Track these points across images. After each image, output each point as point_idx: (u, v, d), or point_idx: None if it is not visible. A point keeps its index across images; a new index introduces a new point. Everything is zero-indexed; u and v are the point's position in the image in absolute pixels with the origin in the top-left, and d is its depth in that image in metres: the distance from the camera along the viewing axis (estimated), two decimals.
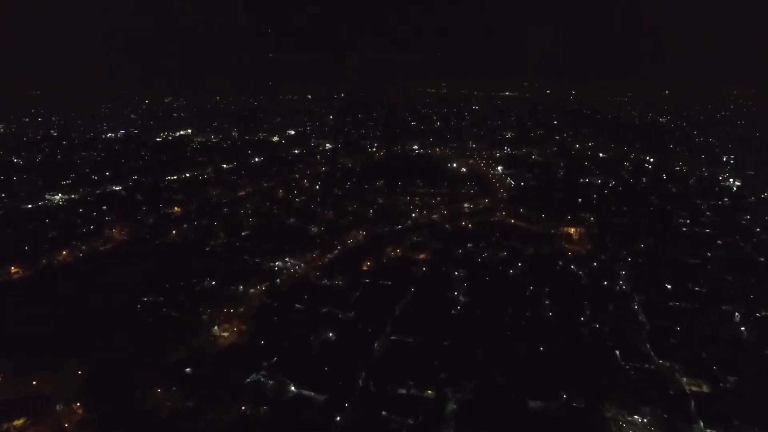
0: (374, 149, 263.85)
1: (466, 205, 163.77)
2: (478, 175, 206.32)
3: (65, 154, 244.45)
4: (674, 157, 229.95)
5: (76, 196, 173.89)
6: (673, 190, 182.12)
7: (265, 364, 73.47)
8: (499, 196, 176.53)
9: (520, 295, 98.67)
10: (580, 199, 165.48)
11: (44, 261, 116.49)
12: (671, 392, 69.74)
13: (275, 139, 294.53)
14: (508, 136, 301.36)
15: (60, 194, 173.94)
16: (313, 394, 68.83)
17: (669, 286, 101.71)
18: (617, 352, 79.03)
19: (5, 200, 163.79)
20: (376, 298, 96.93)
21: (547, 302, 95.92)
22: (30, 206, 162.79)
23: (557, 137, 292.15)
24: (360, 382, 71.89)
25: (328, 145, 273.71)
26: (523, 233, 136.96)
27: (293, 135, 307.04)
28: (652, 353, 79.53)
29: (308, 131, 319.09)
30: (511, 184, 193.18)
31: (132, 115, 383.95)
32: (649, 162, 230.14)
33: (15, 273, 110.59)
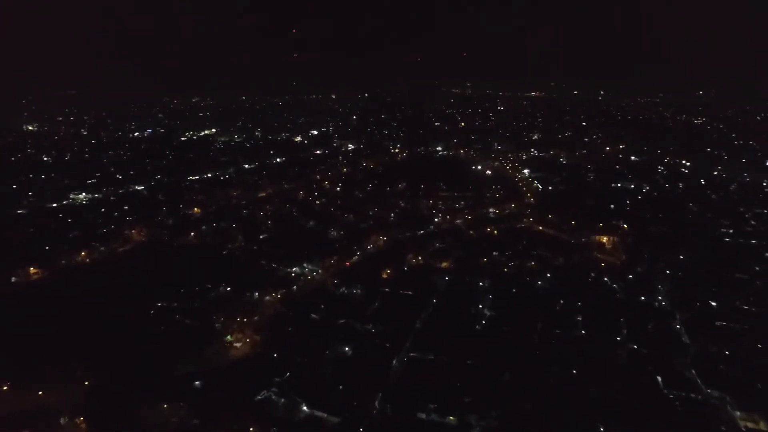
0: (397, 150, 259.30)
1: (491, 210, 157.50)
2: (504, 179, 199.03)
3: (93, 153, 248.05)
4: (712, 161, 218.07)
5: (100, 196, 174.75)
6: (713, 196, 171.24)
7: (277, 380, 69.63)
8: (526, 200, 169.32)
9: (550, 309, 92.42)
10: (612, 206, 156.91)
11: (63, 262, 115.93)
12: (723, 429, 62.76)
13: (298, 139, 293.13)
14: (535, 137, 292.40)
15: (84, 193, 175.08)
16: (326, 415, 64.66)
17: (714, 304, 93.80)
18: (659, 378, 72.29)
19: (31, 199, 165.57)
20: (396, 309, 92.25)
21: (579, 318, 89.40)
22: (54, 205, 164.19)
23: (586, 139, 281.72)
24: (376, 403, 67.32)
25: (350, 145, 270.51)
26: (551, 241, 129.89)
27: (316, 135, 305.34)
28: (699, 381, 72.47)
29: (331, 131, 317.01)
30: (539, 188, 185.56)
31: (159, 115, 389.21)
32: (685, 166, 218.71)
33: (34, 274, 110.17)
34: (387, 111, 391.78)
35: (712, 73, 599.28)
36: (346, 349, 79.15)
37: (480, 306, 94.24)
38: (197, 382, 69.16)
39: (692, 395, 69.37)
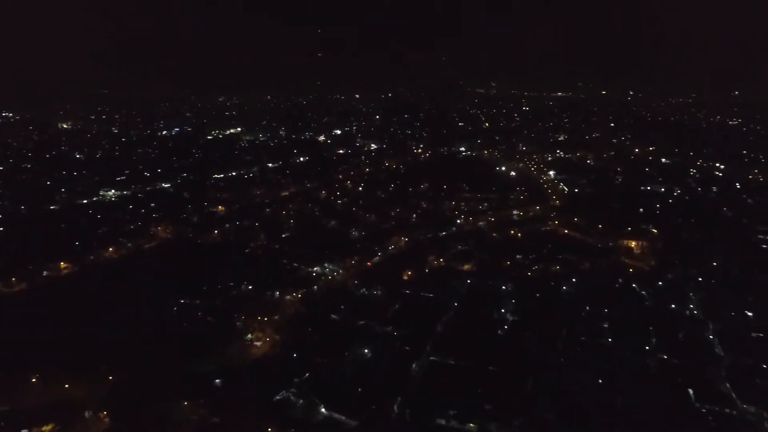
0: (420, 150, 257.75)
1: (515, 212, 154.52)
2: (529, 180, 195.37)
3: (123, 150, 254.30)
4: (748, 164, 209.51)
5: (128, 193, 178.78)
6: (749, 201, 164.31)
7: (296, 380, 69.49)
8: (551, 203, 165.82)
9: (575, 315, 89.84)
10: (641, 209, 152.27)
11: (92, 257, 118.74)
12: None
13: (321, 138, 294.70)
14: (561, 138, 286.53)
15: (113, 190, 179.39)
16: (344, 418, 64.15)
17: (750, 314, 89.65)
18: (690, 391, 69.29)
19: (63, 195, 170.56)
20: (416, 312, 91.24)
21: (605, 325, 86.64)
22: (85, 201, 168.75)
23: (614, 141, 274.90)
24: (395, 408, 66.46)
25: (373, 145, 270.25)
26: (577, 245, 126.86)
27: (339, 134, 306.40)
28: (734, 395, 69.17)
29: (354, 131, 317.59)
30: (564, 190, 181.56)
31: (187, 114, 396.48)
32: (719, 169, 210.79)
33: (64, 268, 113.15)
34: (410, 111, 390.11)
35: (747, 73, 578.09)
36: (366, 351, 78.57)
37: (502, 310, 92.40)
38: (217, 380, 69.64)
39: (726, 410, 66.28)
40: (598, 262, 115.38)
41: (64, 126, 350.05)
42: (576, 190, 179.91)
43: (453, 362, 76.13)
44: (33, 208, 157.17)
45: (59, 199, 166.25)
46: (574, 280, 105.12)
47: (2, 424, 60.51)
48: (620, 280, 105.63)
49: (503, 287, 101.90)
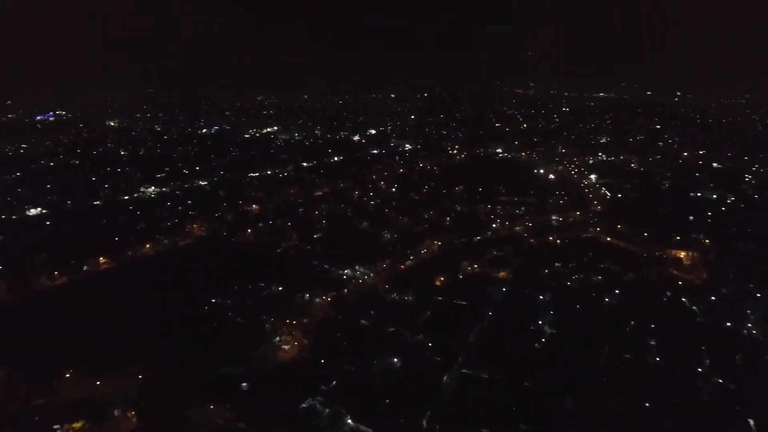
0: (455, 151, 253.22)
1: (554, 217, 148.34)
2: (569, 184, 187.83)
3: (164, 148, 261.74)
4: None
5: (167, 190, 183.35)
6: None
7: (323, 388, 67.81)
8: (593, 208, 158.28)
9: (619, 330, 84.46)
10: (691, 217, 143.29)
11: (130, 253, 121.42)
12: None
13: (356, 138, 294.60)
14: (603, 141, 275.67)
15: (153, 187, 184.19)
16: (370, 430, 61.90)
17: None
18: (751, 422, 63.27)
19: (106, 191, 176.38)
20: (449, 320, 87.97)
21: (652, 343, 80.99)
22: (126, 198, 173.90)
23: (660, 143, 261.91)
24: (424, 422, 63.67)
25: (407, 145, 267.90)
26: (621, 254, 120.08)
27: (374, 134, 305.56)
28: None
29: (389, 131, 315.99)
30: (607, 195, 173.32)
31: (227, 112, 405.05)
32: None
33: (103, 263, 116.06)
34: (446, 111, 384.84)
35: None
36: (395, 360, 76.09)
37: (540, 322, 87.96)
38: (244, 384, 68.87)
39: None
40: (644, 273, 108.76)
41: (112, 124, 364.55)
42: (619, 195, 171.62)
43: (486, 376, 72.58)
44: (78, 203, 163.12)
45: (102, 195, 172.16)
46: (617, 291, 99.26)
47: (37, 418, 61.61)
48: (668, 293, 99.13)
49: (541, 297, 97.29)
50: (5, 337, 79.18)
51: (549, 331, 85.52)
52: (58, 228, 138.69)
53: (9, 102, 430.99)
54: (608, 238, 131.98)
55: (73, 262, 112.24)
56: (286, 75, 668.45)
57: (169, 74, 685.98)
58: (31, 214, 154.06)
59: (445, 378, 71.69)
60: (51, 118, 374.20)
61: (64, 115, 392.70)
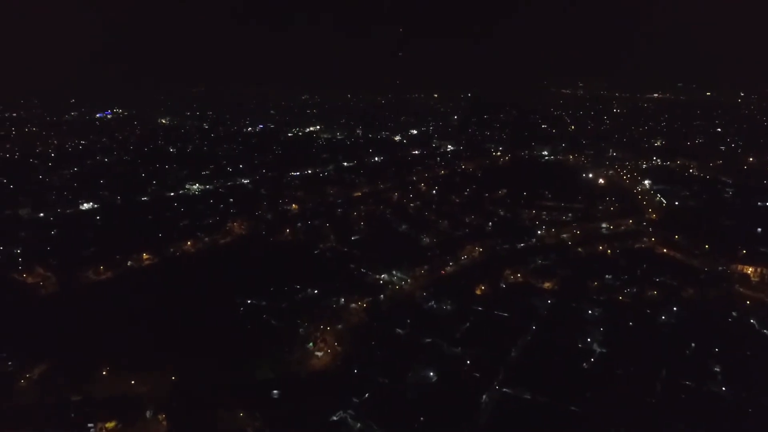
0: (499, 153, 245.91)
1: (604, 225, 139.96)
2: (620, 190, 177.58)
3: (210, 146, 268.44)
4: None
5: (211, 187, 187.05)
6: None
7: (355, 400, 65.23)
8: (647, 216, 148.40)
9: (678, 353, 77.17)
10: (759, 229, 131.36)
11: (171, 250, 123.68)
12: None
13: (397, 138, 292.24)
14: (657, 144, 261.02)
15: (197, 184, 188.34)
16: None
17: None
18: None
19: (154, 187, 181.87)
20: (489, 332, 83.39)
21: (716, 369, 73.46)
22: (172, 194, 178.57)
23: (722, 148, 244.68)
24: None
25: (449, 146, 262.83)
26: (679, 268, 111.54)
27: (415, 134, 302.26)
28: None
29: (431, 131, 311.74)
30: (663, 203, 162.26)
31: (271, 111, 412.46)
32: None
33: (147, 259, 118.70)
34: (490, 111, 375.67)
35: None
36: (431, 373, 72.44)
37: (588, 339, 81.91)
38: (275, 392, 67.33)
39: None
40: (706, 290, 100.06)
41: (163, 121, 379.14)
42: (676, 203, 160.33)
43: (529, 397, 67.72)
44: (127, 198, 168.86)
45: (150, 191, 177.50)
46: (675, 309, 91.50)
47: (73, 415, 62.38)
48: (734, 313, 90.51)
49: (589, 311, 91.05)
50: (50, 330, 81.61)
51: (599, 350, 79.41)
52: (108, 223, 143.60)
53: (73, 101, 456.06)
54: (664, 250, 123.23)
55: (118, 257, 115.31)
56: (330, 74, 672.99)
57: (220, 73, 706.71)
58: (84, 208, 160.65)
59: (484, 397, 67.48)
60: (109, 116, 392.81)
61: (121, 113, 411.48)
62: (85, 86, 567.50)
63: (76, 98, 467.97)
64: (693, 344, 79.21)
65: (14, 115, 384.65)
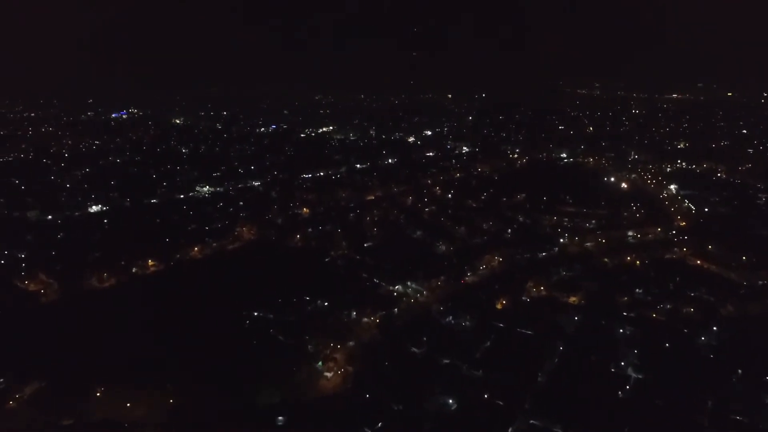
0: (515, 155, 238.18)
1: (630, 233, 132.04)
2: (645, 195, 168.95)
3: (223, 146, 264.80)
4: None
5: (221, 189, 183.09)
6: None
7: (366, 430, 59.56)
8: (676, 224, 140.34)
9: (723, 381, 70.16)
10: None
11: (178, 256, 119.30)
12: None
13: (411, 139, 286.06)
14: (681, 146, 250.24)
15: (208, 186, 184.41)
16: None
17: None
18: None
19: (164, 189, 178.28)
20: (512, 353, 77.21)
21: None
22: (182, 197, 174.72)
23: (750, 150, 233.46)
24: None
25: (464, 148, 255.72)
26: (715, 281, 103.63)
27: (429, 136, 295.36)
28: None
29: (445, 132, 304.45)
30: (691, 209, 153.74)
31: (285, 111, 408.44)
32: None
33: (152, 266, 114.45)
34: (504, 112, 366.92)
35: None
36: (450, 401, 66.40)
37: (622, 363, 75.10)
38: (280, 418, 61.97)
39: None
40: (747, 307, 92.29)
41: (177, 122, 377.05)
42: (706, 210, 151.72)
43: (559, 431, 61.33)
44: (136, 201, 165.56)
45: (159, 193, 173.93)
46: (714, 328, 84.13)
47: None
48: None
49: (620, 330, 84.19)
50: (45, 343, 77.77)
51: (634, 375, 72.62)
52: (115, 226, 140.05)
53: (90, 101, 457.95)
54: (698, 261, 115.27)
55: (123, 263, 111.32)
56: (344, 74, 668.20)
57: (234, 72, 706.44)
58: (92, 210, 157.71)
59: (509, 430, 61.21)
60: (124, 116, 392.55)
61: (136, 113, 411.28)
62: (102, 86, 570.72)
63: (93, 98, 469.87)
64: (739, 371, 71.95)
65: (32, 115, 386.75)
